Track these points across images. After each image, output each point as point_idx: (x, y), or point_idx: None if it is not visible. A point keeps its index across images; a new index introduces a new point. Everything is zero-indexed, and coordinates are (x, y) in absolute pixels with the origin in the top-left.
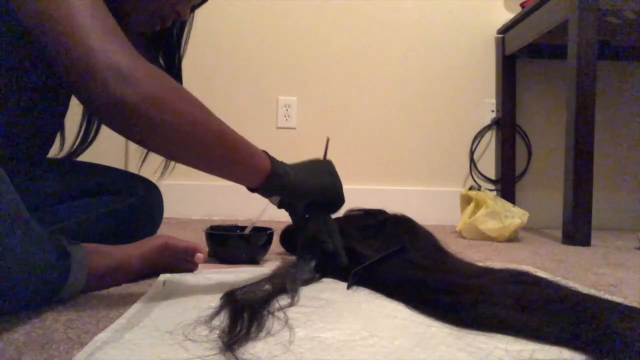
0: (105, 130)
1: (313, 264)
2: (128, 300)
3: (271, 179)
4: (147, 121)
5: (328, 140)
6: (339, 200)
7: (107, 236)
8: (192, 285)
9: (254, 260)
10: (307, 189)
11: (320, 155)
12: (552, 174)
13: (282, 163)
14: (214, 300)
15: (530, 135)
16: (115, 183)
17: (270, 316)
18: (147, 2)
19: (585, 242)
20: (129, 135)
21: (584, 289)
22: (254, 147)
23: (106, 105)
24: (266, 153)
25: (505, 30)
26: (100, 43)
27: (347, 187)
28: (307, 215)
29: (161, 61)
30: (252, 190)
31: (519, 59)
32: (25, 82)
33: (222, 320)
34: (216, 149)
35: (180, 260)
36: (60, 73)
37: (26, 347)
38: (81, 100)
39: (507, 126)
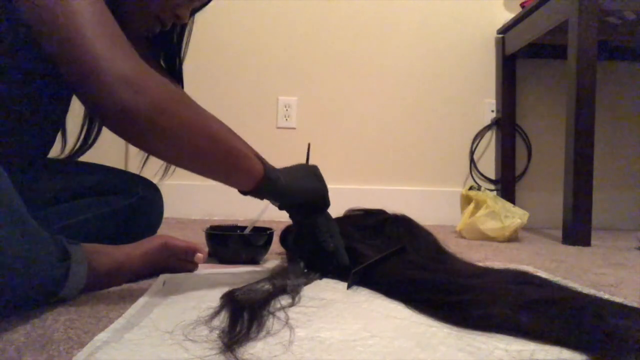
0: (106, 131)
1: (302, 265)
2: (128, 300)
3: (263, 183)
4: (154, 128)
5: (309, 145)
6: (325, 203)
7: (107, 236)
8: (192, 285)
9: (254, 260)
10: (296, 193)
11: (321, 156)
12: (552, 174)
13: (273, 168)
14: (214, 301)
15: (530, 135)
16: (115, 183)
17: (270, 316)
18: (147, 5)
19: (585, 242)
20: (134, 142)
21: (584, 289)
22: (249, 152)
23: (114, 113)
24: (259, 157)
25: (505, 30)
26: (107, 51)
27: (347, 187)
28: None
29: (162, 63)
30: (244, 193)
31: (519, 59)
32: (25, 82)
33: (222, 320)
34: (215, 155)
35: (180, 260)
36: (67, 80)
37: (26, 347)
38: (88, 107)
39: (507, 126)
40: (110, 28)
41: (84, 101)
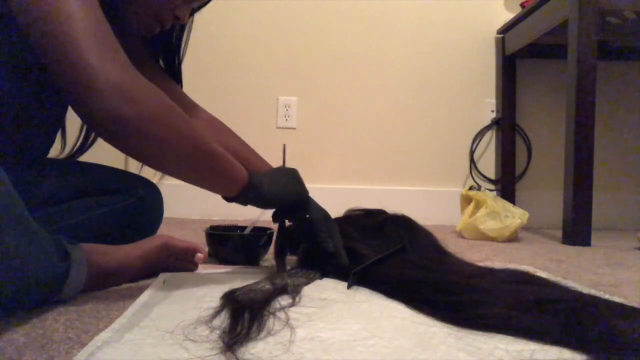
0: None
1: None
2: (128, 300)
3: (247, 190)
4: (144, 137)
5: (285, 147)
6: (304, 206)
7: (107, 236)
8: (192, 285)
9: (254, 260)
10: (278, 198)
11: (321, 156)
12: (552, 174)
13: (257, 174)
14: (214, 301)
15: (530, 135)
16: (115, 183)
17: (270, 316)
18: (146, 6)
19: (585, 242)
20: (125, 149)
21: (584, 289)
22: (233, 160)
23: (105, 122)
24: (246, 159)
25: (505, 30)
26: (100, 60)
27: (347, 187)
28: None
29: (161, 63)
30: (228, 199)
31: (519, 59)
32: (25, 82)
33: (222, 320)
34: (202, 163)
35: (180, 260)
36: (59, 87)
37: (26, 347)
38: (79, 114)
39: (507, 126)
40: (104, 36)
41: (75, 109)
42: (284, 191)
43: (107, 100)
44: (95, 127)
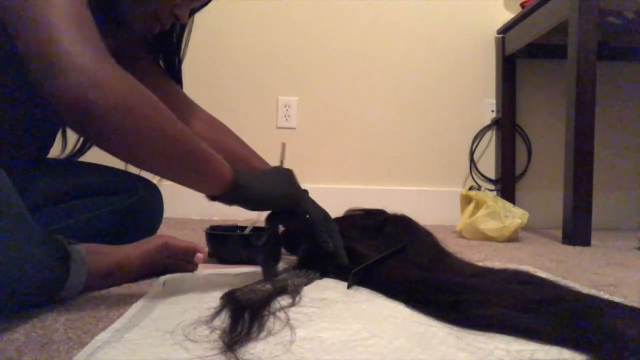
0: None
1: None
2: (128, 300)
3: (232, 190)
4: (112, 126)
5: (284, 145)
6: (300, 210)
7: (107, 236)
8: (192, 285)
9: (254, 261)
10: (270, 201)
11: (321, 156)
12: (552, 174)
13: (247, 174)
14: (214, 301)
15: (530, 135)
16: (115, 183)
17: (271, 316)
18: (146, 6)
19: (585, 242)
20: (91, 138)
21: (584, 289)
22: (217, 157)
23: (69, 105)
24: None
25: (505, 30)
26: (71, 41)
27: (347, 187)
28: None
29: (162, 63)
30: (212, 198)
31: (519, 59)
32: (24, 81)
33: (222, 320)
34: (179, 157)
35: (180, 260)
36: (30, 73)
37: (26, 347)
38: (44, 95)
39: (507, 126)
40: (80, 20)
41: (39, 88)
42: (273, 194)
43: (75, 86)
44: (59, 110)
